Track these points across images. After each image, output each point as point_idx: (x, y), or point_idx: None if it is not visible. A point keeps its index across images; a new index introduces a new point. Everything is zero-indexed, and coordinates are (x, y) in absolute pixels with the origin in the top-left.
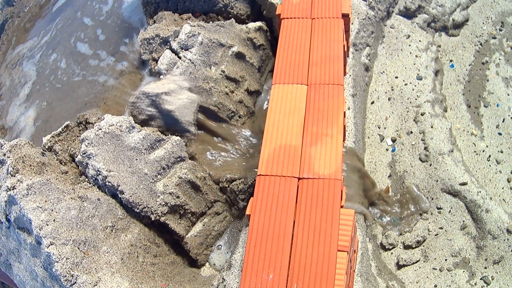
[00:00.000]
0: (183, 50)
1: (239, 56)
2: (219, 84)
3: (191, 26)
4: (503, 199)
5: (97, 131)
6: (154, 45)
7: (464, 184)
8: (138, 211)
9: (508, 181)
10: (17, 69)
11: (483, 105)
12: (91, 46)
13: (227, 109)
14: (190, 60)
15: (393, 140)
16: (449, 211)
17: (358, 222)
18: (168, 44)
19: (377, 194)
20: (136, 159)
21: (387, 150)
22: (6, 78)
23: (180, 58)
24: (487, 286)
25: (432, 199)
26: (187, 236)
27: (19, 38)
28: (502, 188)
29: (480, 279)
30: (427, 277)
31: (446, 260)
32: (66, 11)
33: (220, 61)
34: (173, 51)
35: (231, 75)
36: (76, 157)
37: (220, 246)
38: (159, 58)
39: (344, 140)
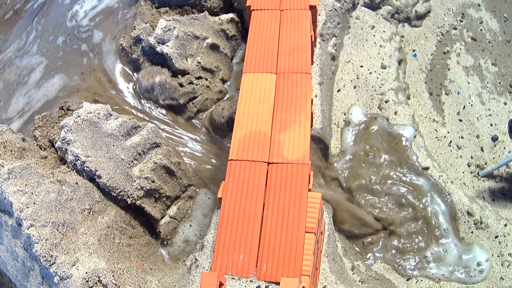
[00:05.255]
0: (160, 44)
1: (214, 47)
2: (195, 75)
3: (166, 20)
4: (464, 183)
5: (76, 118)
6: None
7: (426, 168)
8: (115, 194)
9: (468, 166)
10: (8, 70)
11: (445, 93)
12: None
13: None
14: (167, 54)
15: None
16: None
17: (325, 205)
18: (142, 41)
19: None
20: (113, 145)
21: None
22: None
23: (157, 52)
24: None
25: None
26: (161, 222)
27: None
28: (463, 173)
29: None
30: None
31: None
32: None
33: (195, 52)
34: (150, 46)
35: (206, 65)
36: (56, 143)
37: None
38: (138, 57)
39: (311, 126)
